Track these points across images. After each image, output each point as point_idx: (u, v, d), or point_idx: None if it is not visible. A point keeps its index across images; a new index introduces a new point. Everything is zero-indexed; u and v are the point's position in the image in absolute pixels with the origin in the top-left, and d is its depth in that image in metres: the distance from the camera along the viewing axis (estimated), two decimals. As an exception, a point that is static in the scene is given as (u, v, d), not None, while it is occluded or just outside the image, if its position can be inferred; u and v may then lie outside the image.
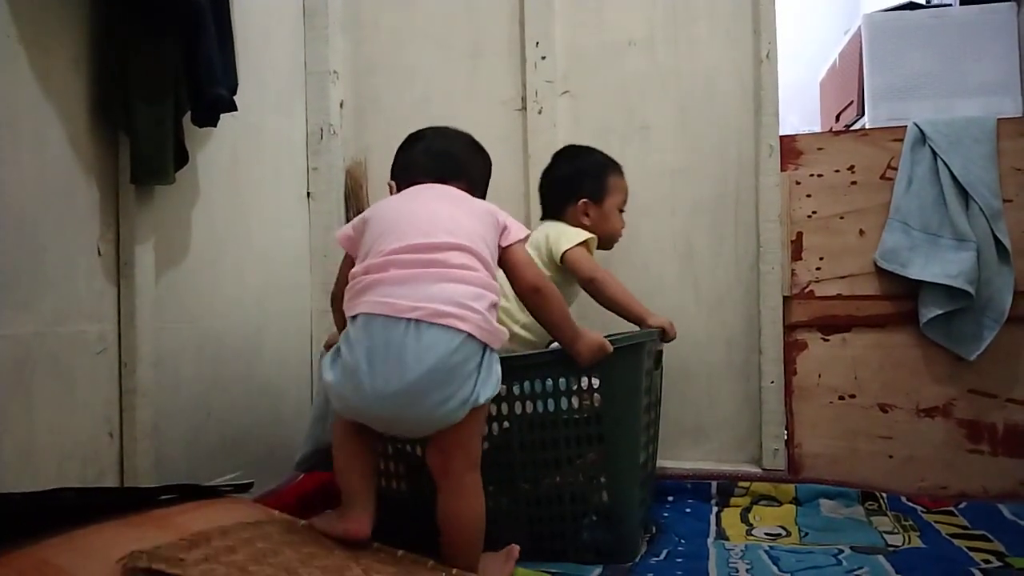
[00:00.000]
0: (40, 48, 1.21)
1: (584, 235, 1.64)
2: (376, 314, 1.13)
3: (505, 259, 1.30)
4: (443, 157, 1.40)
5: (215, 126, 1.50)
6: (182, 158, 1.42)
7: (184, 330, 1.52)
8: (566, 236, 1.63)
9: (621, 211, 1.75)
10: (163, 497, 1.17)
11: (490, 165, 1.49)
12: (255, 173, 1.77)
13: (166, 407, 1.44)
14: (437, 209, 1.26)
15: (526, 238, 1.33)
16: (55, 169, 1.23)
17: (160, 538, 0.99)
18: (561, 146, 1.86)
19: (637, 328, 1.58)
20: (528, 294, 1.30)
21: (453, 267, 1.16)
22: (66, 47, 1.26)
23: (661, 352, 1.63)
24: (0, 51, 1.14)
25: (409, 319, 1.10)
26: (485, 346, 1.14)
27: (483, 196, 1.43)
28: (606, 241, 1.73)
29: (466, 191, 1.35)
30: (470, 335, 1.11)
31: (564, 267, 1.61)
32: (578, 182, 1.72)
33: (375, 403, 1.12)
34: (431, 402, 1.10)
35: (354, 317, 1.15)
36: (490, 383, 1.15)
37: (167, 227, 1.47)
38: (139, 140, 1.30)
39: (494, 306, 1.18)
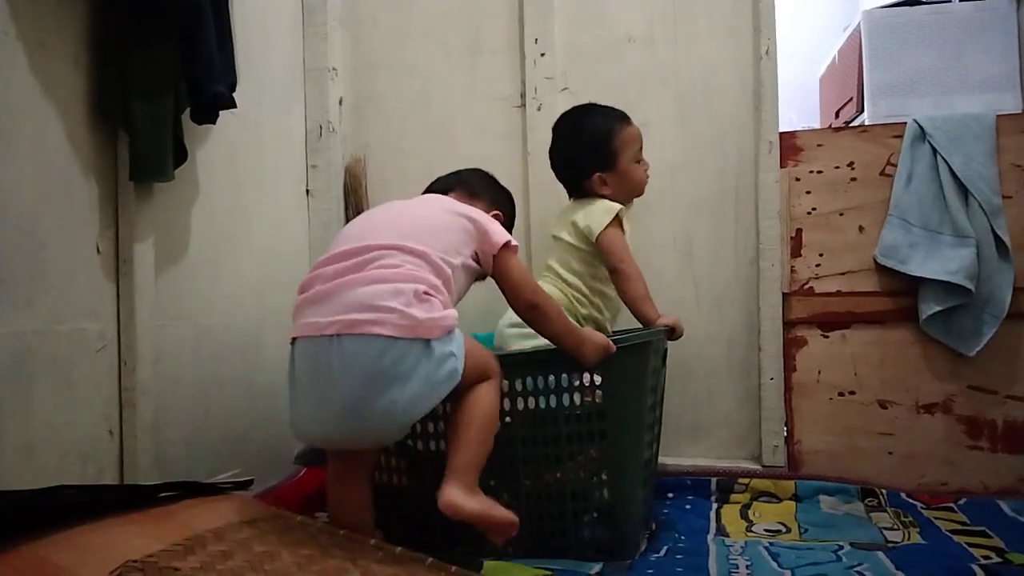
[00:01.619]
0: (38, 45, 1.20)
1: (613, 210, 1.63)
2: (302, 336, 1.15)
3: (497, 273, 1.28)
4: (446, 176, 1.49)
5: (214, 123, 1.50)
6: (181, 155, 1.42)
7: (184, 328, 1.52)
8: (596, 217, 1.62)
9: (639, 160, 1.72)
10: (163, 494, 1.16)
11: (505, 193, 1.54)
12: (254, 170, 1.77)
13: (166, 405, 1.44)
14: (388, 214, 1.27)
15: (515, 248, 1.30)
16: (54, 167, 1.23)
17: (159, 536, 0.98)
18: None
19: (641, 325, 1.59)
20: (525, 312, 1.30)
21: (372, 268, 1.14)
22: (65, 44, 1.26)
23: (667, 350, 1.63)
24: (-1, 48, 1.14)
25: (330, 335, 1.10)
26: (422, 340, 1.10)
27: (491, 208, 1.42)
28: (633, 195, 1.73)
29: (464, 199, 1.36)
30: (390, 336, 1.08)
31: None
32: (584, 159, 1.69)
33: (326, 427, 1.13)
34: (378, 410, 1.09)
35: (293, 342, 1.18)
36: (445, 370, 1.11)
37: (166, 225, 1.46)
38: (138, 137, 1.30)
39: (426, 294, 1.13)
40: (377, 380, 1.08)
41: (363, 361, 1.08)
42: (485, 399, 1.18)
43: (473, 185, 1.44)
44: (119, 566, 0.87)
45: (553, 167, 1.77)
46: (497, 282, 1.30)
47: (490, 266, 1.28)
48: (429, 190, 1.50)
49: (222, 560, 0.95)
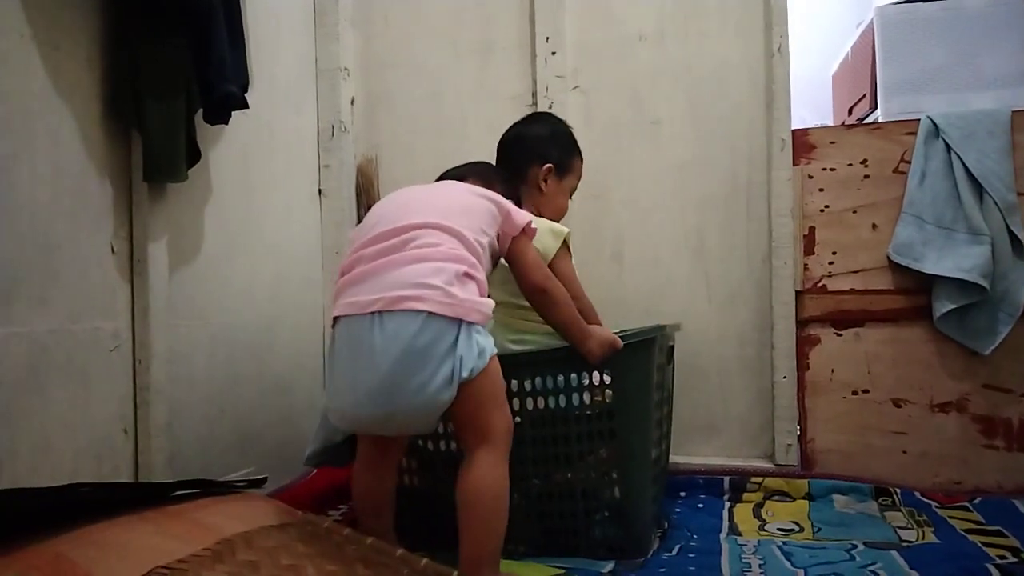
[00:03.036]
0: (53, 47, 1.21)
1: (561, 234, 1.53)
2: (345, 315, 1.14)
3: (512, 254, 1.28)
4: (456, 168, 1.47)
5: (227, 124, 1.51)
6: (194, 156, 1.43)
7: (197, 327, 1.53)
8: (545, 240, 1.51)
9: (570, 196, 1.71)
10: (177, 492, 1.17)
11: (513, 186, 1.49)
12: (267, 170, 1.78)
13: (180, 403, 1.45)
14: (416, 195, 1.26)
15: (533, 232, 1.30)
16: (68, 167, 1.24)
17: (189, 539, 0.98)
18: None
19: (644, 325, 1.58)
20: (533, 295, 1.30)
21: (414, 247, 1.14)
22: (79, 46, 1.27)
23: (672, 347, 1.62)
24: (13, 50, 1.15)
25: (372, 312, 1.10)
26: (459, 321, 1.09)
27: (506, 195, 1.37)
28: (551, 218, 1.63)
29: (479, 185, 1.35)
30: (431, 313, 1.08)
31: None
32: (551, 146, 1.65)
33: (362, 405, 1.12)
34: (411, 389, 1.08)
35: (335, 322, 1.17)
36: (472, 356, 1.09)
37: (180, 224, 1.47)
38: (152, 138, 1.31)
39: (466, 276, 1.13)
40: (412, 358, 1.07)
41: (402, 338, 1.07)
42: (487, 478, 1.12)
43: (486, 174, 1.43)
44: (148, 572, 0.87)
45: (508, 139, 1.69)
46: (510, 263, 1.30)
47: (506, 248, 1.27)
48: (441, 180, 1.48)
49: (250, 572, 0.95)
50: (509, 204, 1.29)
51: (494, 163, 1.65)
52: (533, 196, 1.63)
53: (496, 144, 1.69)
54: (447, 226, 1.16)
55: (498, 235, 1.26)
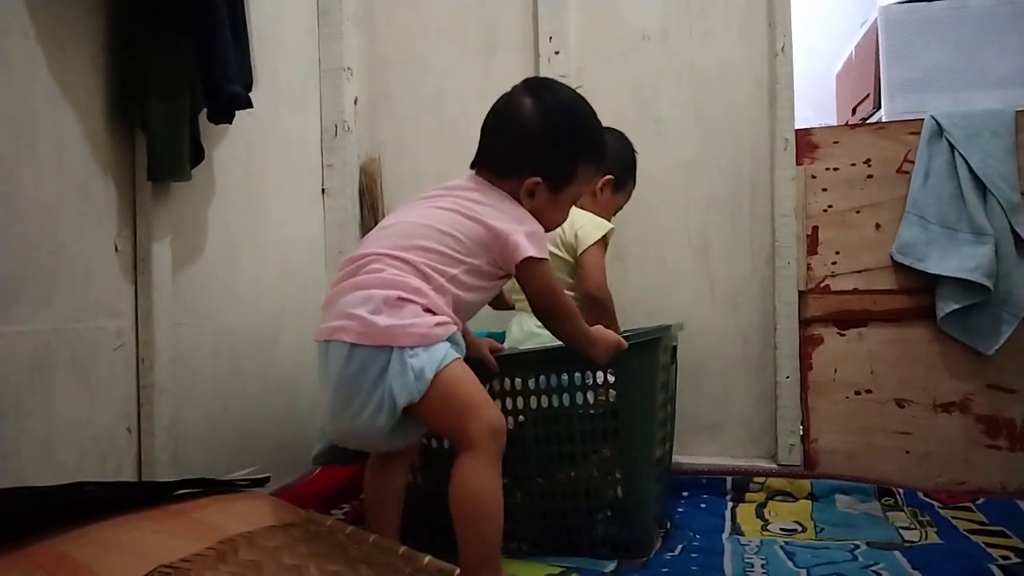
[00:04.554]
0: (58, 47, 1.21)
1: (604, 227, 1.62)
2: (316, 339, 1.18)
3: (518, 281, 1.25)
4: (481, 140, 1.30)
5: (230, 123, 1.50)
6: (198, 155, 1.43)
7: (201, 326, 1.53)
8: (587, 230, 1.60)
9: (614, 213, 1.78)
10: (181, 491, 1.17)
11: (532, 130, 1.25)
12: (270, 170, 1.78)
13: (183, 402, 1.45)
14: (401, 216, 1.24)
15: (537, 260, 1.20)
16: (73, 166, 1.24)
17: (192, 537, 0.99)
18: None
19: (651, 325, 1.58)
20: (539, 316, 1.29)
21: (357, 276, 1.14)
22: (84, 46, 1.27)
23: (676, 347, 1.62)
24: (18, 50, 1.15)
25: (325, 340, 1.13)
26: (388, 348, 1.07)
27: (523, 180, 1.24)
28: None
29: (494, 176, 1.26)
30: (354, 344, 1.09)
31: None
32: (619, 161, 1.73)
33: (328, 423, 1.17)
34: (348, 417, 1.11)
35: None
36: (407, 382, 1.07)
37: (184, 224, 1.47)
38: (156, 137, 1.31)
39: (400, 300, 1.10)
40: (345, 388, 1.10)
41: (335, 368, 1.11)
42: (469, 482, 1.09)
43: (504, 161, 1.26)
44: (151, 571, 0.87)
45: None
46: (520, 285, 1.27)
47: (512, 271, 1.23)
48: (477, 158, 1.30)
49: (253, 572, 0.95)
50: (510, 235, 1.19)
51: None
52: (585, 196, 1.65)
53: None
54: (396, 255, 1.15)
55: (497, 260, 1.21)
